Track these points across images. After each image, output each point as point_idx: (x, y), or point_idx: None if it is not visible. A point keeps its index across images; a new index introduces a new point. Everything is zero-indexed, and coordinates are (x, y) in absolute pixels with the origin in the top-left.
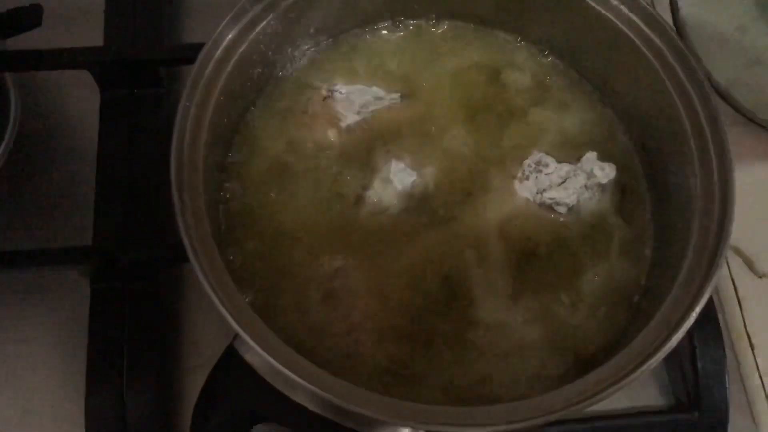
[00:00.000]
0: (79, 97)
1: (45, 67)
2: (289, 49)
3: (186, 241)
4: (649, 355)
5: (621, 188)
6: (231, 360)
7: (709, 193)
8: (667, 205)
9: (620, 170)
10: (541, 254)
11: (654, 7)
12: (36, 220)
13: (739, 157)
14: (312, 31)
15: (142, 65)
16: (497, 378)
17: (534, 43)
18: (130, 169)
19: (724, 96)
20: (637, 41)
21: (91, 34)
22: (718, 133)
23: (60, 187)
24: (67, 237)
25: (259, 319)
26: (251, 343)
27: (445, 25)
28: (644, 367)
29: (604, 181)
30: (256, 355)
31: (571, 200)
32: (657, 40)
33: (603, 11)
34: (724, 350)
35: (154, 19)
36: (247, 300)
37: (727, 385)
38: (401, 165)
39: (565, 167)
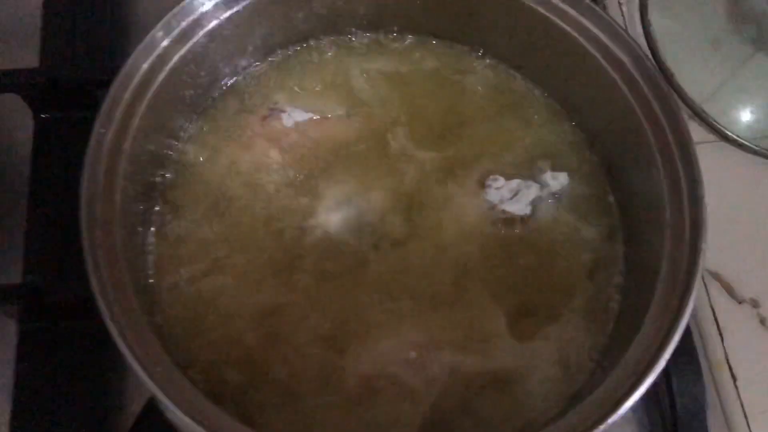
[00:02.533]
0: (11, 123)
1: None
2: (225, 68)
3: (92, 278)
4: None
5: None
6: (151, 418)
7: (680, 218)
8: (636, 228)
9: (585, 185)
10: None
11: (625, 22)
12: None
13: (714, 178)
14: (250, 48)
15: (77, 87)
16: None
17: (494, 56)
18: (66, 200)
19: (698, 113)
20: (602, 60)
21: (27, 57)
22: (687, 156)
23: None
24: None
25: (179, 374)
26: (169, 404)
27: (402, 39)
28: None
29: (557, 189)
30: (178, 417)
31: (525, 212)
32: (624, 59)
33: (567, 28)
34: (703, 384)
35: (93, 41)
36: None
37: (708, 422)
38: (345, 189)
39: (515, 181)
